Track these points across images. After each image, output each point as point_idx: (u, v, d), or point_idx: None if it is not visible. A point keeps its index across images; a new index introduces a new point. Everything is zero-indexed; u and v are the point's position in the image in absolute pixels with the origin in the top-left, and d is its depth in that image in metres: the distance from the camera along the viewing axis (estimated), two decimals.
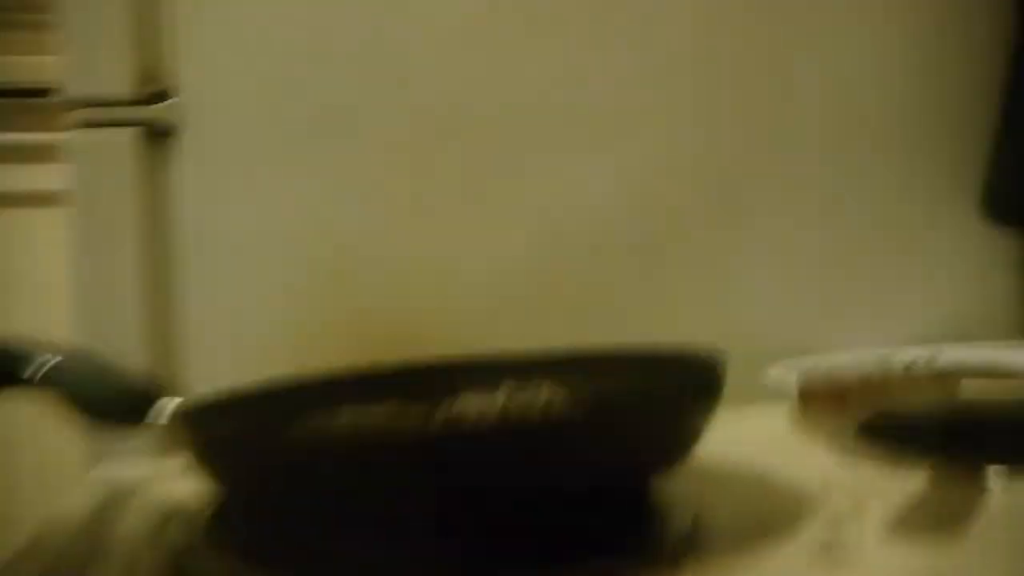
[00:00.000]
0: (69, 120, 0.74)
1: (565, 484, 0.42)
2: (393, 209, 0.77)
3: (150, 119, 0.75)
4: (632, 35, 0.79)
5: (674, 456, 0.47)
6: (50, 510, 0.59)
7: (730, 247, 0.80)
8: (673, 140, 0.80)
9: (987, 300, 0.82)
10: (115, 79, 0.75)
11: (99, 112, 0.75)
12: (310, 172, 0.77)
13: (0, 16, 1.28)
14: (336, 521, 0.42)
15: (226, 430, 0.50)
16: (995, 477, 0.49)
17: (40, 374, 0.54)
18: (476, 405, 0.51)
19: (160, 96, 0.75)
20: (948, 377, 0.66)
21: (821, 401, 0.62)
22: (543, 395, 0.53)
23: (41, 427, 1.20)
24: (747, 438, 0.57)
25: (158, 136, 0.75)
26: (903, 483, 0.49)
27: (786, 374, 0.66)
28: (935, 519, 0.45)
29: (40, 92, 1.10)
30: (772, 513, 0.48)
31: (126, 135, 0.75)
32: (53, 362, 0.55)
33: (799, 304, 0.80)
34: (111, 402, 0.56)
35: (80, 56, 0.75)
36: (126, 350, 0.74)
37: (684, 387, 0.47)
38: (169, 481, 0.55)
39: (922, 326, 0.80)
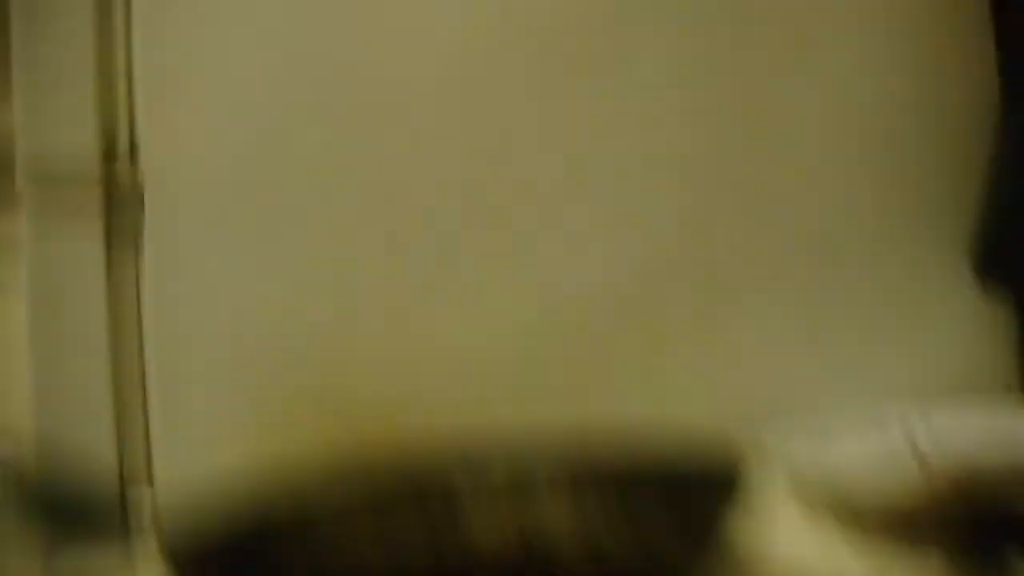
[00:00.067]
0: (23, 205, 0.71)
1: None
2: (368, 289, 0.74)
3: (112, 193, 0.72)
4: (622, 123, 0.77)
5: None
6: None
7: (718, 320, 0.78)
8: (658, 222, 0.78)
9: (975, 355, 0.81)
10: (75, 154, 0.72)
11: (58, 204, 0.71)
12: (281, 252, 0.74)
13: None
14: None
15: None
16: None
17: None
18: (486, 526, 0.48)
19: (122, 169, 0.72)
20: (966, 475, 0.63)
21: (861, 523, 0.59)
22: (561, 521, 0.49)
23: None
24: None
25: (120, 226, 0.72)
26: None
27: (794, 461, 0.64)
28: None
29: None
30: None
31: (87, 228, 0.72)
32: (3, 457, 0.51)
33: (788, 366, 0.78)
34: (75, 507, 0.52)
35: (37, 137, 0.72)
36: (89, 442, 0.70)
37: (712, 512, 0.45)
38: None
39: (909, 381, 0.79)
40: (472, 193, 0.76)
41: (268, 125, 0.74)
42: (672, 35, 0.77)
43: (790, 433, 0.67)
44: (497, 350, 0.75)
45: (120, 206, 0.72)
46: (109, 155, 0.72)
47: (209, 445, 0.71)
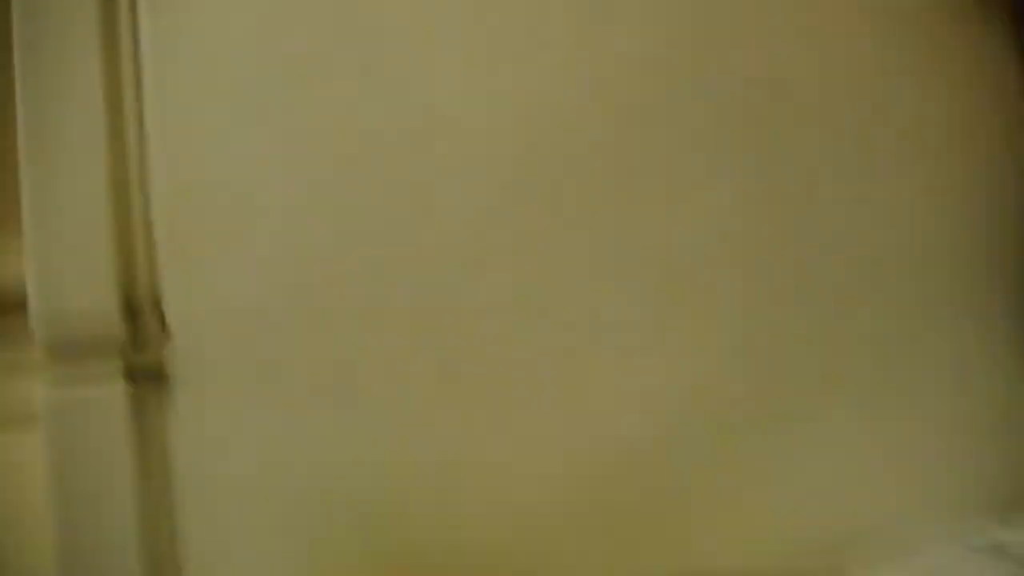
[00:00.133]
0: (41, 373, 0.65)
1: None
2: (416, 436, 0.68)
3: (139, 364, 0.66)
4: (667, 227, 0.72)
5: None
6: None
7: (781, 447, 0.72)
8: (716, 340, 0.71)
9: None
10: (94, 316, 0.66)
11: (78, 366, 0.65)
12: (320, 397, 0.68)
13: None
14: None
15: None
16: None
17: None
18: None
19: (145, 335, 0.67)
20: None
21: None
22: None
23: None
24: None
25: (146, 381, 0.66)
26: None
27: None
28: None
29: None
30: None
31: (111, 390, 0.66)
32: None
33: (865, 486, 0.72)
34: None
35: (51, 293, 0.66)
36: None
37: None
38: None
39: (994, 491, 0.72)
40: (517, 321, 0.70)
41: (301, 255, 0.68)
42: (722, 124, 0.72)
43: (877, 560, 0.62)
44: (558, 490, 0.69)
45: (146, 363, 0.66)
46: (130, 309, 0.66)
47: None
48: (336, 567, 0.67)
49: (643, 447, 0.70)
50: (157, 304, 0.67)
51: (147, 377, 0.66)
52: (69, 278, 0.66)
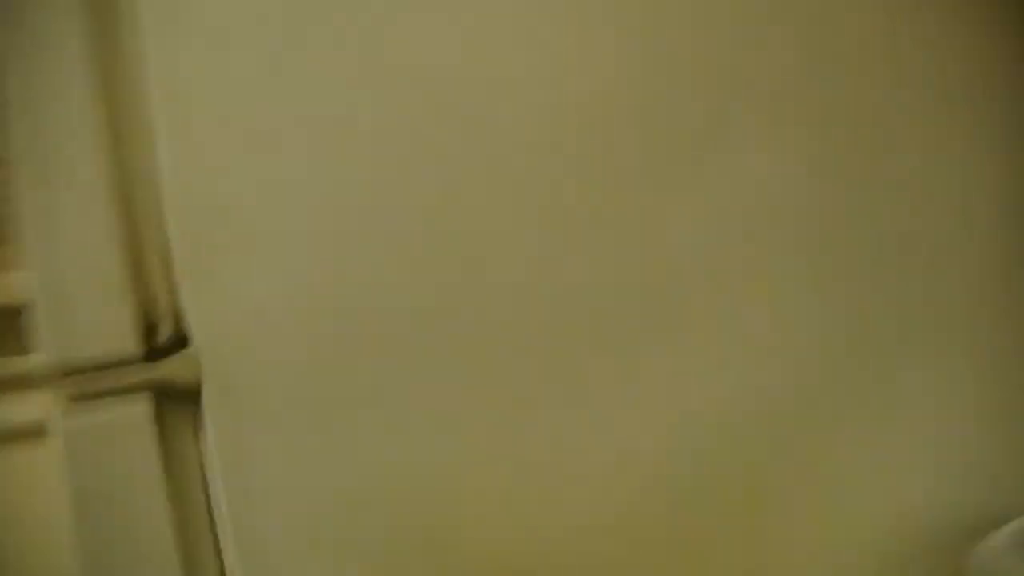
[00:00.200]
0: (54, 394, 0.61)
1: None
2: (449, 444, 0.65)
3: (160, 380, 0.62)
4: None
5: None
6: None
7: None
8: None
9: None
10: (109, 333, 0.62)
11: (93, 381, 0.61)
12: (348, 407, 0.65)
13: None
14: None
15: None
16: None
17: None
18: None
19: (167, 349, 0.63)
20: None
21: None
22: None
23: None
24: None
25: (170, 400, 0.63)
26: None
27: None
28: None
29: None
30: None
31: (134, 410, 0.62)
32: None
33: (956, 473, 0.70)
34: None
35: (57, 310, 0.62)
36: None
37: None
38: None
39: None
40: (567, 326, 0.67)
41: (322, 262, 0.65)
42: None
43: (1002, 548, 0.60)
44: (605, 503, 0.66)
45: (167, 380, 0.63)
46: (147, 324, 0.62)
47: None
48: None
49: (695, 449, 0.68)
50: (177, 318, 0.63)
51: (170, 395, 0.63)
52: (78, 293, 0.61)
